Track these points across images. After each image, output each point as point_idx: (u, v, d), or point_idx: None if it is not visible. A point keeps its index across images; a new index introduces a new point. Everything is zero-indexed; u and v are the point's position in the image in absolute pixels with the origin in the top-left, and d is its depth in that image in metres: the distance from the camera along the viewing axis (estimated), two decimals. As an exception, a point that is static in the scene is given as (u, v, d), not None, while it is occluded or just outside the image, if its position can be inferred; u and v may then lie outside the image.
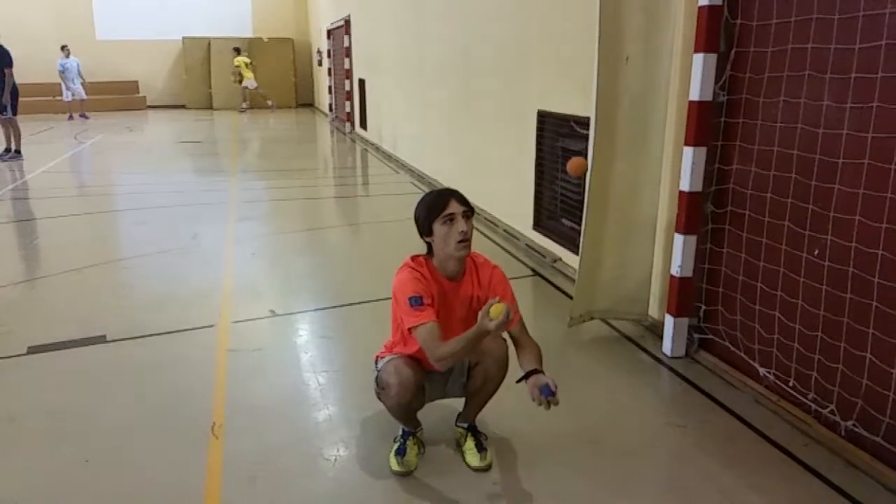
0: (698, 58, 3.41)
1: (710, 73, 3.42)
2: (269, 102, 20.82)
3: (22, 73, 13.16)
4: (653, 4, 3.69)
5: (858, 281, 2.80)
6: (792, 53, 3.09)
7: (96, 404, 3.33)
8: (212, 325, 4.28)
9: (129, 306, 4.67)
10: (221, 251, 6.05)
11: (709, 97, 3.45)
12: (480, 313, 2.33)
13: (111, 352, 3.94)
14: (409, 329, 2.53)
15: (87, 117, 17.95)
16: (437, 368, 2.53)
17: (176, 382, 3.55)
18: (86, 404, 3.32)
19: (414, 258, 2.66)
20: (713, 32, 3.39)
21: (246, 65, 20.29)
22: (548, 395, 2.33)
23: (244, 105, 20.60)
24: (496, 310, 2.31)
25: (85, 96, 17.96)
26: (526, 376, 2.45)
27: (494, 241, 6.30)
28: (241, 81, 20.59)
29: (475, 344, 2.42)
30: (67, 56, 17.51)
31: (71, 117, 17.90)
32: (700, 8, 3.39)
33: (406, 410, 2.71)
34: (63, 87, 17.68)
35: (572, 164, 4.01)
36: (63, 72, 17.46)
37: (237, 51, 20.51)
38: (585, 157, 4.14)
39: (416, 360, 2.66)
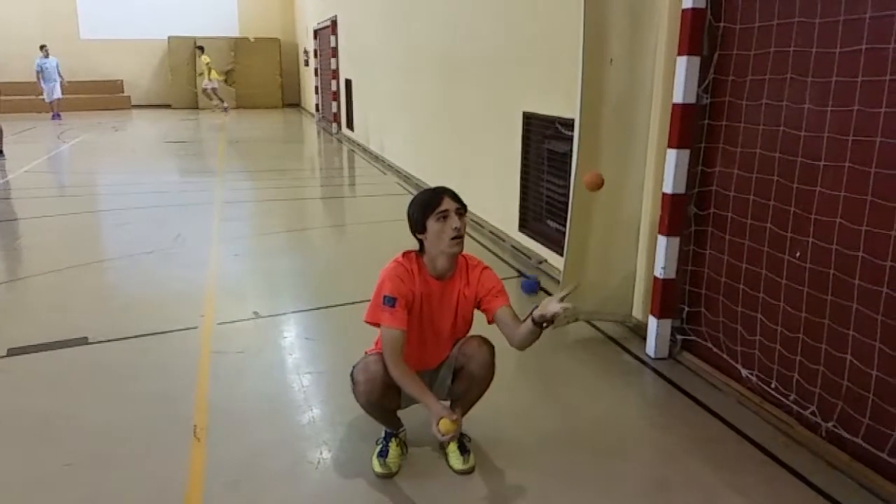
0: (682, 60, 3.43)
1: (693, 75, 3.44)
2: (216, 103, 20.71)
3: (4, 72, 13.07)
4: (637, 7, 3.70)
5: (839, 283, 2.82)
6: (774, 57, 3.11)
7: (78, 406, 3.30)
8: (195, 327, 4.25)
9: (112, 308, 4.63)
10: (205, 252, 6.01)
11: (692, 100, 3.47)
12: (438, 415, 2.40)
13: (93, 354, 3.90)
14: (369, 322, 2.61)
15: (59, 117, 17.73)
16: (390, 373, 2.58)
17: (158, 384, 3.52)
18: (67, 406, 3.29)
19: (405, 254, 2.66)
20: (696, 35, 3.41)
21: (206, 65, 20.20)
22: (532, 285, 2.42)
23: (224, 105, 20.50)
24: (444, 425, 2.37)
25: (60, 96, 17.74)
26: (534, 321, 2.46)
27: (480, 243, 6.30)
28: (225, 80, 20.49)
29: (420, 400, 2.53)
30: (46, 56, 17.35)
31: (54, 116, 17.74)
32: (684, 11, 3.41)
33: (378, 409, 2.70)
34: (44, 89, 17.50)
35: (590, 180, 3.37)
36: (40, 71, 17.29)
37: (201, 49, 20.40)
38: (570, 158, 4.14)
39: None
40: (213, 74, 20.13)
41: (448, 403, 2.85)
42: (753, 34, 3.21)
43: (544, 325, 2.46)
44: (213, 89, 20.31)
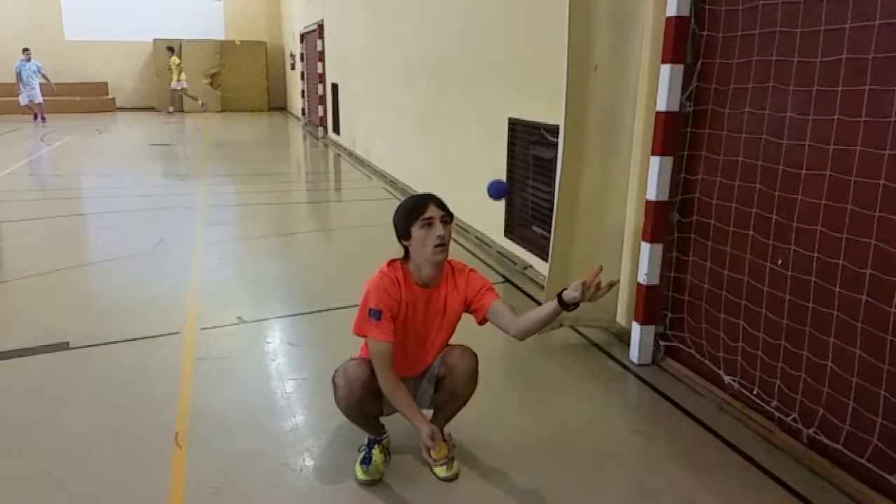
0: (665, 68, 3.45)
1: (676, 83, 3.46)
2: (201, 102, 20.65)
3: (-14, 74, 12.97)
4: (621, 15, 3.72)
5: (820, 290, 2.84)
6: (756, 65, 3.13)
7: (58, 412, 3.26)
8: (177, 333, 4.22)
9: (94, 313, 4.59)
10: (189, 256, 5.97)
11: (675, 107, 3.49)
12: (430, 440, 2.43)
13: (74, 359, 3.87)
14: (357, 334, 2.61)
15: (45, 120, 17.55)
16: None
17: (140, 391, 3.49)
18: (47, 412, 3.26)
19: (390, 263, 2.64)
20: (680, 43, 3.43)
21: (177, 66, 20.13)
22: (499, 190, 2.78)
23: (201, 102, 20.45)
24: (436, 454, 2.47)
25: (40, 100, 17.53)
26: (561, 301, 2.40)
27: (466, 248, 6.31)
28: (210, 83, 20.45)
29: (408, 417, 2.55)
30: (28, 59, 17.19)
31: (35, 118, 17.55)
32: (668, 19, 3.44)
33: (359, 414, 2.69)
34: (21, 92, 17.29)
35: None
36: (19, 74, 17.12)
37: (171, 50, 20.34)
38: (555, 164, 4.15)
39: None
40: (182, 75, 20.10)
41: (431, 412, 2.85)
42: (736, 43, 3.24)
43: (571, 307, 2.41)
44: (184, 89, 20.27)
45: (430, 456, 2.43)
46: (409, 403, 2.55)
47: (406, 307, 2.61)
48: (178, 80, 20.18)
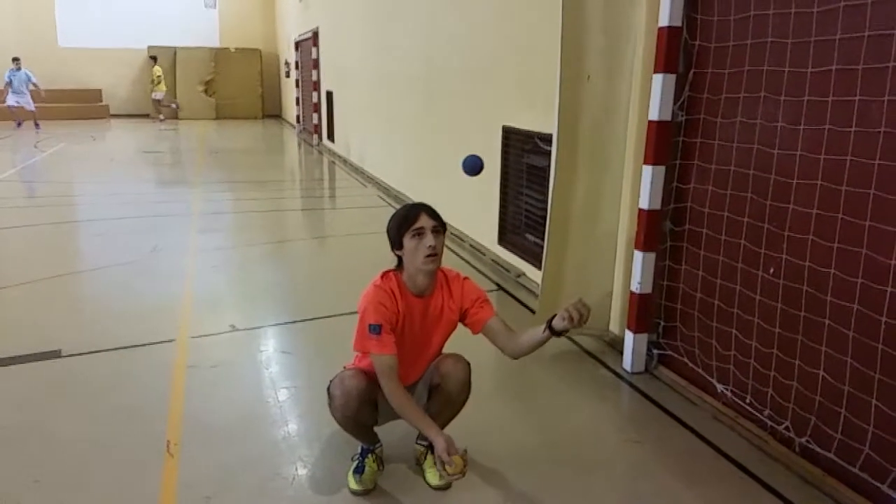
0: (658, 78, 3.47)
1: (669, 93, 3.47)
2: (174, 105, 20.73)
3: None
4: (614, 24, 3.74)
5: (811, 299, 2.85)
6: (748, 75, 3.15)
7: (48, 421, 3.24)
8: (170, 340, 4.21)
9: (86, 320, 4.58)
10: (182, 264, 5.96)
11: (668, 117, 3.50)
12: (446, 454, 2.34)
13: (66, 367, 3.85)
14: (359, 350, 2.60)
15: (38, 126, 17.51)
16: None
17: (132, 398, 3.48)
18: (37, 421, 3.24)
19: (384, 275, 2.63)
20: (672, 53, 3.45)
21: (158, 76, 20.23)
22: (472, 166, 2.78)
23: (174, 104, 20.54)
24: (453, 469, 2.33)
25: (33, 108, 17.50)
26: (552, 329, 2.44)
27: (460, 256, 6.30)
28: (205, 90, 20.49)
29: (422, 429, 2.51)
30: (19, 69, 17.17)
31: (19, 125, 17.47)
32: (660, 29, 3.45)
33: (354, 424, 2.68)
34: (10, 94, 17.25)
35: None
36: (9, 83, 17.09)
37: (154, 59, 20.42)
38: (549, 172, 4.16)
39: (369, 375, 2.62)
40: (161, 86, 20.17)
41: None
42: (728, 53, 3.26)
43: (560, 334, 2.45)
44: (159, 100, 20.35)
45: (445, 470, 2.37)
46: (421, 415, 2.51)
47: (403, 317, 2.61)
48: (156, 91, 20.24)
